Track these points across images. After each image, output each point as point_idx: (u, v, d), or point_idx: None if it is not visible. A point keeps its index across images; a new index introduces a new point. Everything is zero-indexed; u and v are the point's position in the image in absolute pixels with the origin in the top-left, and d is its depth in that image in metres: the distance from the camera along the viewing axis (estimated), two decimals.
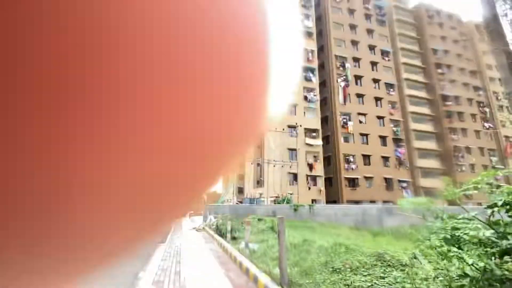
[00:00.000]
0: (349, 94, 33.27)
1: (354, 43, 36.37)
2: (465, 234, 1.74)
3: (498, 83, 44.20)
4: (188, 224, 17.94)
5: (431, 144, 36.98)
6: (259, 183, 37.02)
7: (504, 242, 1.63)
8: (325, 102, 33.87)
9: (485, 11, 5.20)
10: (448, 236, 1.71)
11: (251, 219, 14.84)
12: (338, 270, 3.95)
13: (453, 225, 1.80)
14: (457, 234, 1.73)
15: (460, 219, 1.85)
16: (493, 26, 4.95)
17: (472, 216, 1.84)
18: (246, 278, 4.79)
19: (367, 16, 38.51)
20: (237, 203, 22.86)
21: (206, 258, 6.76)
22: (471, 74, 44.10)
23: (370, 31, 37.78)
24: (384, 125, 33.96)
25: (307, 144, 29.56)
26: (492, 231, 1.66)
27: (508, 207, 1.73)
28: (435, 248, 1.85)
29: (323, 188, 28.87)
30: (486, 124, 40.87)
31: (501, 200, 1.71)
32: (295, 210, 20.20)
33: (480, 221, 1.78)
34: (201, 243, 9.71)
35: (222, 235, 10.51)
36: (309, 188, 28.41)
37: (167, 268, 5.55)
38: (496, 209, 1.73)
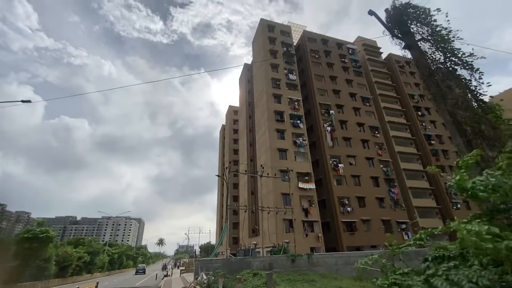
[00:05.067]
0: (336, 138, 34.75)
1: (336, 92, 39.54)
2: None
3: None
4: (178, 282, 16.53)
5: (423, 183, 37.36)
6: (254, 231, 35.44)
7: None
8: (315, 146, 35.08)
9: (423, 76, 6.19)
10: None
11: (246, 274, 14.04)
12: None
13: (391, 280, 2.06)
14: None
15: (398, 274, 2.11)
16: (434, 89, 5.87)
17: (409, 270, 2.11)
18: None
19: (345, 69, 42.73)
20: (230, 256, 21.57)
21: None
22: None
23: (349, 81, 41.46)
24: (374, 166, 34.71)
25: (300, 188, 29.55)
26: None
27: (438, 260, 2.00)
28: None
29: (321, 235, 27.86)
30: None
31: (430, 255, 2.01)
32: (293, 261, 19.22)
33: (416, 273, 2.04)
34: None
35: None
36: (306, 235, 27.39)
37: None
38: (427, 263, 2.02)
